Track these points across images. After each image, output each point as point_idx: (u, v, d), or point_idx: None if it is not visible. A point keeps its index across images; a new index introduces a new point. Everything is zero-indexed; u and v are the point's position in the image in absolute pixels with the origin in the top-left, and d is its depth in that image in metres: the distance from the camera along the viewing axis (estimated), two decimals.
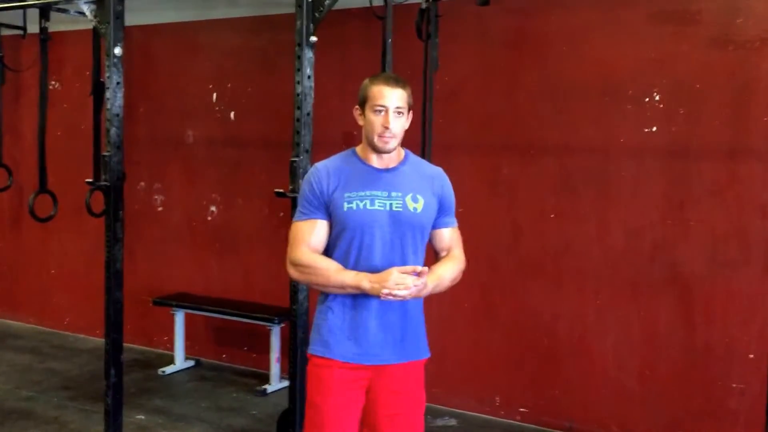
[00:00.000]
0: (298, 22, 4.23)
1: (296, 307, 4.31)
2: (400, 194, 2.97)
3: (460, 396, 5.52)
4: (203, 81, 6.57)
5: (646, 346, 4.92)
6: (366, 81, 3.02)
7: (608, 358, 5.03)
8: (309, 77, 4.26)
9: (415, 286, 2.85)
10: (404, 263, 2.95)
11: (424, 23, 4.71)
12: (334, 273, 2.92)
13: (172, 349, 6.51)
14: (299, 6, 4.24)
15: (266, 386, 5.90)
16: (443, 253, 3.15)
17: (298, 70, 4.25)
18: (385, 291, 2.82)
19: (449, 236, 3.15)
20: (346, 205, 2.93)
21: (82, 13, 5.15)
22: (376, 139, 2.94)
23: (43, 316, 7.59)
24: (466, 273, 5.35)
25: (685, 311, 4.81)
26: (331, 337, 2.99)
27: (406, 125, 3.01)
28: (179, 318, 6.39)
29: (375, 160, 3.01)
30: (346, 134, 5.69)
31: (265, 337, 6.01)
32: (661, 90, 4.81)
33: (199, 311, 6.34)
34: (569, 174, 5.10)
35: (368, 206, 2.93)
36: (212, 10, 6.46)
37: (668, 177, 4.82)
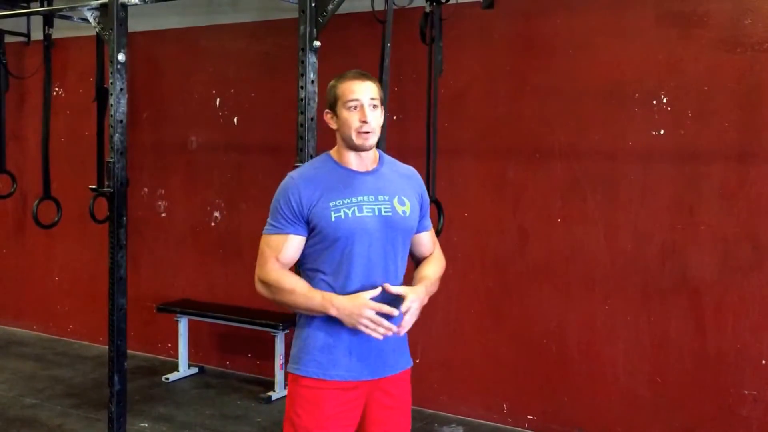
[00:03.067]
0: (302, 27, 4.20)
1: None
2: (387, 197, 2.79)
3: (467, 403, 5.46)
4: (206, 86, 6.55)
5: (656, 352, 4.86)
6: (332, 82, 2.83)
7: (618, 364, 4.97)
8: (312, 82, 4.22)
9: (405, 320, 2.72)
10: (396, 271, 2.80)
11: (428, 27, 4.68)
12: (301, 295, 2.73)
13: (176, 356, 6.47)
14: (302, 11, 4.21)
15: (271, 393, 5.85)
16: (425, 257, 3.00)
17: (302, 75, 4.21)
18: (363, 330, 2.66)
19: (429, 239, 3.00)
20: (333, 215, 2.71)
21: (86, 20, 5.15)
22: (354, 137, 2.75)
23: (47, 323, 7.56)
24: (473, 278, 5.37)
25: (696, 317, 4.75)
26: (323, 355, 2.76)
27: (381, 121, 2.84)
28: (183, 325, 6.35)
29: (354, 163, 2.81)
30: None
31: (270, 343, 5.97)
32: (668, 92, 4.76)
33: (203, 318, 6.30)
34: (576, 178, 5.05)
35: (357, 213, 2.72)
36: (215, 15, 6.44)
37: (677, 180, 4.77)
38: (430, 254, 3.01)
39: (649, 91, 4.80)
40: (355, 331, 2.71)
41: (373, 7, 4.42)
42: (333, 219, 2.71)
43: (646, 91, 4.81)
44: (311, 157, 4.19)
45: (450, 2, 4.64)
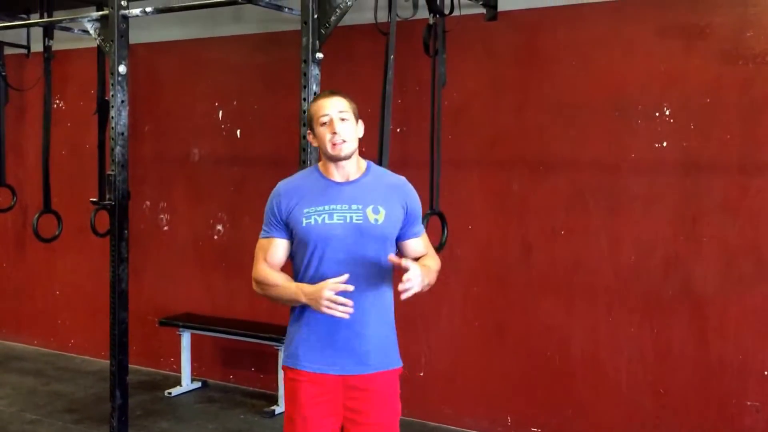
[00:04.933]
0: (304, 39, 4.20)
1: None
2: (360, 206, 2.99)
3: (471, 416, 5.44)
4: (209, 99, 6.54)
5: (659, 364, 4.86)
6: (309, 106, 3.11)
7: (621, 375, 4.96)
8: (315, 94, 4.22)
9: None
10: (364, 278, 2.96)
11: (431, 39, 4.68)
12: (281, 288, 3.01)
13: (178, 370, 6.44)
14: (305, 23, 4.21)
15: (274, 407, 5.82)
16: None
17: (305, 87, 4.21)
18: (325, 310, 2.85)
19: (420, 244, 3.17)
20: (304, 221, 2.98)
21: (86, 32, 5.15)
22: (329, 149, 2.98)
23: (48, 338, 7.53)
24: (477, 290, 5.35)
25: (699, 328, 4.74)
26: (300, 349, 3.03)
27: (360, 133, 3.07)
28: (186, 338, 6.33)
29: (335, 174, 3.05)
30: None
31: (273, 357, 5.95)
32: (671, 105, 4.76)
33: (206, 332, 6.28)
34: (579, 190, 5.05)
35: (326, 220, 2.97)
36: (217, 27, 6.44)
37: (680, 193, 4.77)
38: (423, 255, 3.16)
39: (652, 103, 4.81)
40: (331, 328, 2.95)
41: (376, 19, 4.42)
42: (304, 225, 2.99)
43: (648, 103, 4.82)
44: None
45: (453, 14, 4.64)
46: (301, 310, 3.03)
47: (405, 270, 2.83)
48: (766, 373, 4.58)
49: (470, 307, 5.44)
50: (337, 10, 4.18)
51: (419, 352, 5.56)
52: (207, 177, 6.60)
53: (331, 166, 3.04)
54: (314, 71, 4.23)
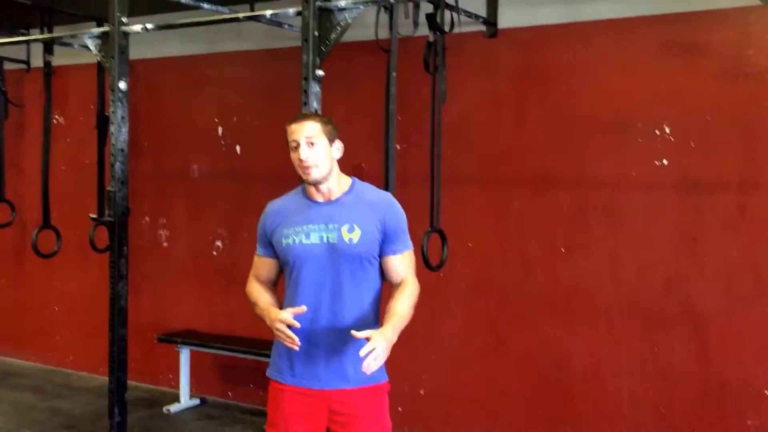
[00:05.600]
0: (305, 56, 4.21)
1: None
2: (336, 225, 3.04)
3: None
4: (209, 115, 6.54)
5: (660, 382, 4.83)
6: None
7: (622, 394, 4.94)
8: (315, 111, 4.22)
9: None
10: (341, 296, 3.02)
11: (431, 56, 4.67)
12: (257, 306, 3.13)
13: (177, 386, 6.42)
14: (305, 40, 4.22)
15: None
16: (396, 282, 3.14)
17: (305, 103, 4.22)
18: (277, 337, 2.97)
19: (398, 263, 3.13)
20: (284, 241, 3.07)
21: (86, 47, 5.15)
22: (300, 172, 3.06)
23: (46, 354, 7.50)
24: (477, 308, 5.33)
25: (700, 347, 4.72)
26: (282, 361, 3.11)
27: (336, 154, 3.11)
28: (185, 355, 6.31)
29: (316, 194, 3.12)
30: (354, 167, 5.63)
31: None
32: (671, 122, 4.76)
33: (205, 348, 6.26)
34: (580, 207, 5.04)
35: (303, 240, 3.04)
36: (218, 43, 6.45)
37: (680, 210, 4.76)
38: (401, 281, 3.13)
39: (652, 120, 4.80)
40: (311, 343, 3.01)
41: (377, 36, 4.42)
42: (283, 244, 3.09)
43: (649, 120, 4.82)
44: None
45: (453, 32, 4.64)
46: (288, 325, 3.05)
47: (367, 340, 2.82)
48: (766, 392, 4.56)
49: (471, 324, 5.42)
50: (338, 27, 4.19)
51: (419, 369, 5.53)
52: (206, 193, 6.59)
53: (311, 187, 3.11)
54: (314, 88, 4.23)
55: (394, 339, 2.92)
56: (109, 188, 4.91)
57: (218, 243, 6.51)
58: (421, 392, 5.55)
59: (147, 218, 6.83)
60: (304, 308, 2.95)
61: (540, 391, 5.20)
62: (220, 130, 6.48)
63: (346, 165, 5.61)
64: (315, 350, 3.03)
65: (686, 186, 4.74)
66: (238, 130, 6.41)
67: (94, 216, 5.49)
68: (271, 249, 3.17)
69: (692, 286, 4.74)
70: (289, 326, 2.91)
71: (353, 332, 2.89)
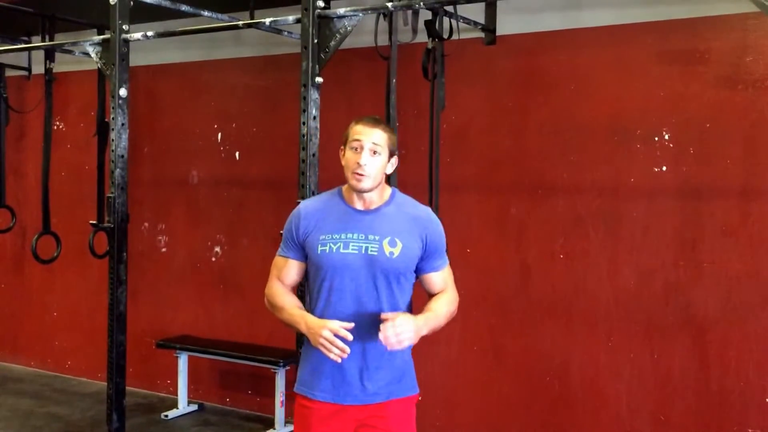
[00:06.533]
0: (304, 63, 4.21)
1: (302, 350, 4.22)
2: (377, 237, 2.92)
3: None
4: (208, 121, 6.55)
5: (659, 390, 4.82)
6: (351, 122, 3.02)
7: (621, 402, 4.92)
8: (315, 118, 4.23)
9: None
10: (378, 309, 2.90)
11: (430, 63, 4.68)
12: (287, 312, 2.97)
13: (175, 392, 6.41)
14: (305, 47, 4.23)
15: (271, 431, 5.79)
16: (437, 292, 3.10)
17: (304, 110, 4.22)
18: (321, 348, 2.82)
19: (439, 279, 3.09)
20: (319, 248, 2.92)
21: (87, 54, 5.17)
22: (350, 176, 2.92)
23: (45, 360, 7.50)
24: (475, 315, 5.32)
25: (700, 354, 4.71)
26: (312, 376, 2.98)
27: (388, 169, 2.98)
28: (183, 361, 6.30)
29: (356, 201, 2.98)
30: None
31: (270, 380, 5.91)
32: (670, 129, 4.76)
33: (203, 354, 6.24)
34: (579, 214, 5.04)
35: (341, 249, 2.90)
36: (217, 50, 6.46)
37: (680, 217, 4.75)
38: (442, 290, 3.09)
39: (651, 127, 4.80)
40: (343, 358, 2.84)
41: (376, 43, 4.43)
42: (318, 251, 2.93)
43: (648, 127, 4.81)
44: (313, 193, 4.19)
45: (452, 39, 4.65)
46: None
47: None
48: (767, 400, 4.54)
49: (469, 331, 5.41)
50: (337, 35, 4.19)
51: (417, 376, 5.49)
52: (205, 199, 6.59)
53: (353, 193, 2.97)
54: (314, 95, 4.24)
55: (424, 331, 2.88)
56: (109, 194, 4.92)
57: (217, 249, 6.51)
58: (419, 399, 5.53)
59: (146, 224, 6.83)
60: (351, 325, 2.82)
61: (539, 399, 5.19)
62: (219, 136, 6.49)
63: (342, 171, 5.66)
64: (348, 363, 2.90)
65: (686, 193, 4.74)
66: (237, 137, 6.42)
67: (94, 222, 5.49)
68: (301, 252, 3.00)
69: (692, 293, 4.72)
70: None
71: (383, 315, 2.82)
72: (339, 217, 2.96)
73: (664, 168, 4.78)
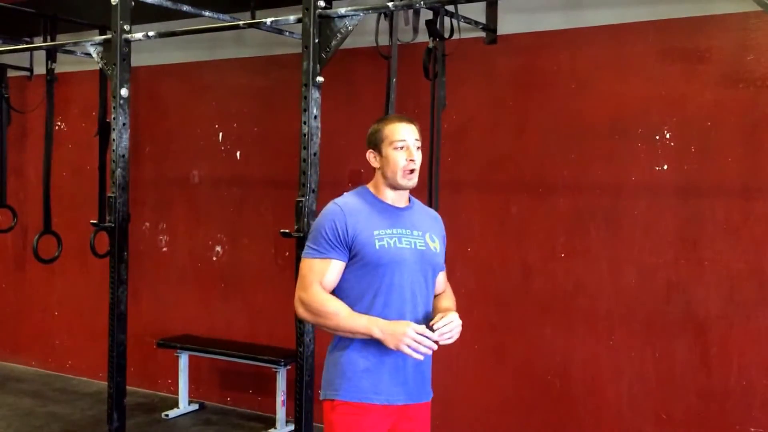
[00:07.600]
0: (305, 63, 4.21)
1: (302, 350, 4.23)
2: (420, 233, 2.96)
3: None
4: (209, 121, 6.55)
5: (661, 389, 4.82)
6: (376, 125, 3.02)
7: (623, 400, 4.92)
8: (315, 117, 4.23)
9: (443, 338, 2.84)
10: (427, 304, 2.95)
11: (431, 62, 4.68)
12: (344, 318, 2.82)
13: (176, 392, 6.41)
14: (306, 47, 4.23)
15: (272, 430, 5.79)
16: (438, 293, 3.13)
17: (305, 110, 4.22)
18: (405, 349, 2.76)
19: (443, 278, 3.17)
20: (377, 243, 2.85)
21: (89, 55, 5.17)
22: (400, 176, 2.91)
23: (46, 359, 7.50)
24: (476, 314, 5.32)
25: (701, 353, 4.71)
26: (364, 379, 2.86)
27: None
28: (183, 360, 6.30)
29: (391, 198, 2.98)
30: (353, 173, 5.66)
31: (271, 379, 5.92)
32: (671, 128, 4.76)
33: (204, 353, 6.24)
34: (580, 213, 5.04)
35: (397, 244, 2.88)
36: (218, 50, 6.46)
37: (681, 216, 4.75)
38: (442, 291, 3.16)
39: (652, 126, 4.80)
40: (394, 356, 2.84)
41: (377, 43, 4.43)
42: (377, 247, 2.85)
43: (649, 126, 4.81)
44: (314, 192, 4.19)
45: (453, 38, 4.65)
46: (363, 340, 2.85)
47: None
48: None
49: (469, 330, 5.34)
50: (338, 34, 4.20)
51: None
52: (206, 199, 6.59)
53: (388, 191, 2.97)
54: (315, 95, 4.24)
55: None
56: (110, 194, 4.92)
57: (218, 248, 6.51)
58: None
59: (147, 224, 6.83)
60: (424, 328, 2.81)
61: (539, 397, 5.18)
62: (220, 135, 6.49)
63: (345, 170, 5.68)
64: (402, 362, 2.88)
65: (687, 191, 4.74)
66: (238, 136, 6.42)
67: (95, 222, 5.49)
68: (346, 252, 2.86)
69: (693, 291, 4.72)
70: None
71: (436, 318, 2.85)
72: (382, 214, 2.93)
73: (665, 166, 4.78)
